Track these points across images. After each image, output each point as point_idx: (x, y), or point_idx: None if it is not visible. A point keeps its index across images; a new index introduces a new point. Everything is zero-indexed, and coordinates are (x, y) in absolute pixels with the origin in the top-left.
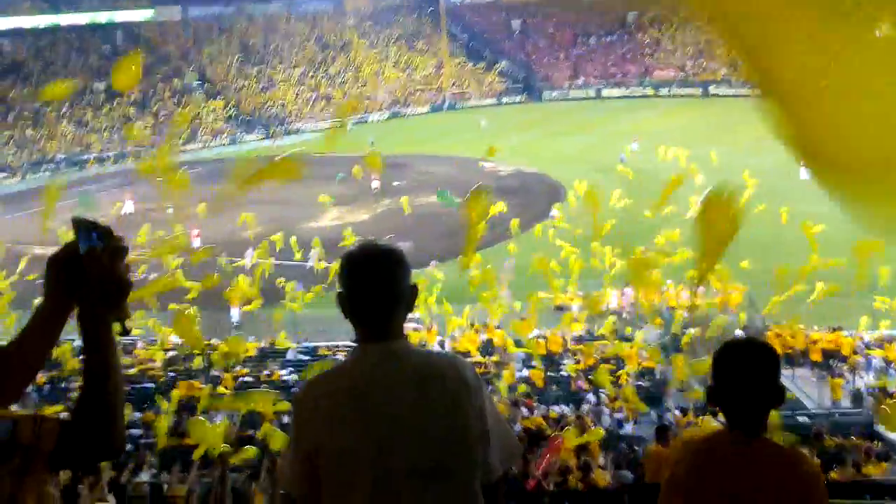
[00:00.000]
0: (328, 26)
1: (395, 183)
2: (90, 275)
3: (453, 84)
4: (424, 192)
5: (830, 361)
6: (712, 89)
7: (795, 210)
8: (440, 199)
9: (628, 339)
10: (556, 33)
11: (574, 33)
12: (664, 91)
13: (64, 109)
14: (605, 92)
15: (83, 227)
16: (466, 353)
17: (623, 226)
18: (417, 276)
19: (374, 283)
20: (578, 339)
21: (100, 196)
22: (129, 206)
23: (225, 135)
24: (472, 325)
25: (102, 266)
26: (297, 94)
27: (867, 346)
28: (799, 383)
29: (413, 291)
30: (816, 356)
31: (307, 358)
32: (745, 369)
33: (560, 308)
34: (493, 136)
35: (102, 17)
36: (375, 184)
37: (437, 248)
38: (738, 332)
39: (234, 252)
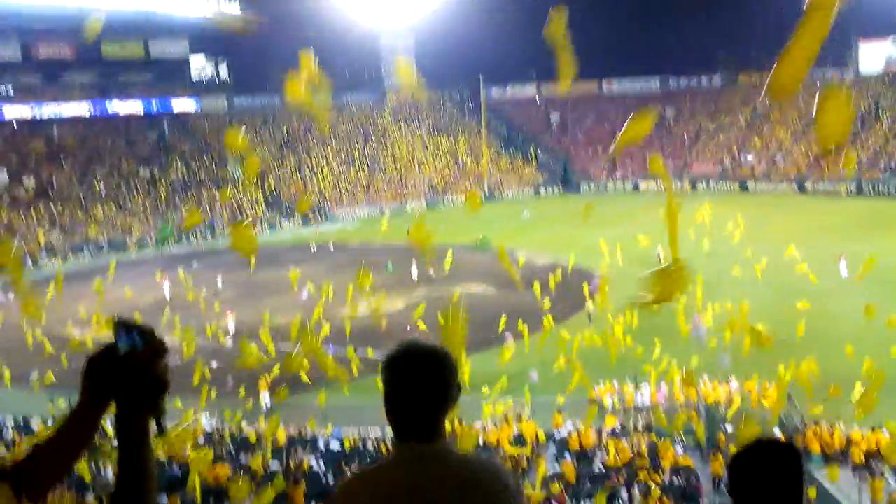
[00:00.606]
0: (370, 117)
1: (432, 272)
2: (129, 375)
3: (492, 175)
4: (462, 282)
5: (871, 462)
6: (750, 185)
7: (832, 307)
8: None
9: (663, 435)
10: (595, 127)
11: (612, 128)
12: (702, 185)
13: (107, 193)
14: (643, 185)
15: (124, 327)
16: (498, 446)
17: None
18: None
19: (416, 385)
20: (613, 433)
21: (139, 279)
22: (166, 290)
23: (265, 221)
24: (507, 417)
25: (142, 366)
26: (336, 183)
27: None
28: (840, 485)
29: (456, 392)
30: (857, 457)
31: (338, 448)
32: (762, 475)
33: (594, 401)
34: (532, 227)
35: (150, 105)
36: (415, 271)
37: (470, 338)
38: (776, 430)
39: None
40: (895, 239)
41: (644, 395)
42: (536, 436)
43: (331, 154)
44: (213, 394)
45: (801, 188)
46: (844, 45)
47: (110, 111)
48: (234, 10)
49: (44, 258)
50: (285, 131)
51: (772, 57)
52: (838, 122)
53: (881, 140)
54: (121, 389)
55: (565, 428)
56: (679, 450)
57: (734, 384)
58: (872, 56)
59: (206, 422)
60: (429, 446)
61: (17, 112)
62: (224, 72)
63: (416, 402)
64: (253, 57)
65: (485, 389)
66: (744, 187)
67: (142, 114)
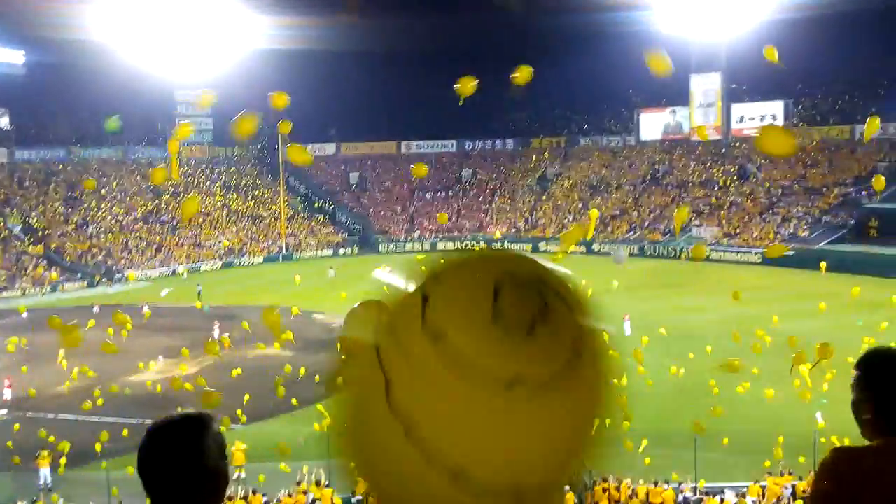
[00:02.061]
0: (161, 173)
1: (226, 334)
2: None
3: (290, 234)
4: (252, 344)
5: None
6: (542, 246)
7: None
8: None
9: None
10: (394, 187)
11: (411, 188)
12: (496, 246)
13: None
14: (440, 245)
15: None
16: None
17: None
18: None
19: (172, 458)
20: None
21: None
22: None
23: (46, 283)
24: (298, 482)
25: None
26: (125, 242)
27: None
28: None
29: (221, 474)
30: None
31: None
32: None
33: None
34: (327, 288)
35: None
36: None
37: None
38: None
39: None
40: (676, 297)
41: None
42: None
43: (120, 211)
44: None
45: (589, 250)
46: (627, 114)
47: None
48: (19, 59)
49: None
50: (69, 188)
51: (561, 123)
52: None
53: (661, 202)
54: None
55: None
56: None
57: None
58: (651, 124)
59: None
60: None
61: None
62: (5, 122)
63: (171, 479)
64: (37, 108)
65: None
66: (535, 248)
67: None
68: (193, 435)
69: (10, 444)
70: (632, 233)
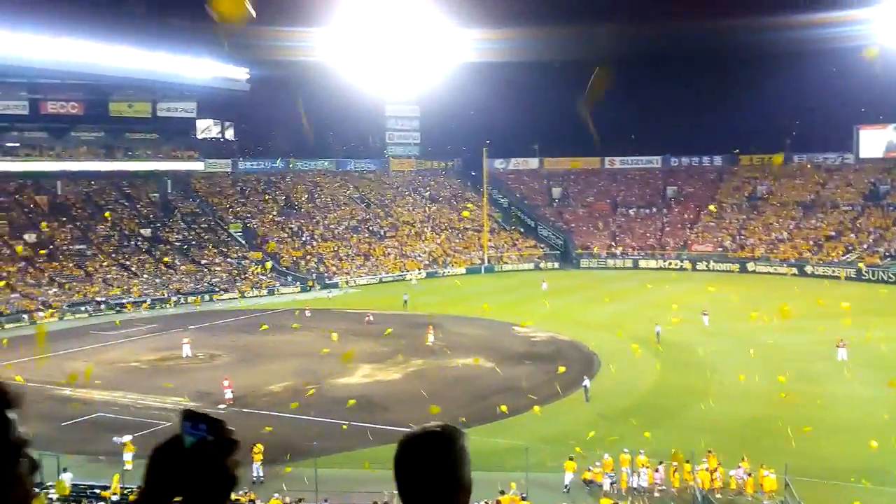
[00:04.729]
0: (372, 186)
1: (428, 343)
2: (196, 469)
3: (492, 247)
4: (456, 354)
5: None
6: (750, 266)
7: (829, 391)
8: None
9: None
10: (596, 202)
11: (613, 203)
12: (702, 265)
13: (107, 251)
14: (643, 263)
15: (192, 418)
16: None
17: (660, 399)
18: None
19: (427, 470)
20: None
21: (140, 339)
22: (186, 350)
23: (263, 286)
24: (502, 491)
25: (211, 461)
26: (336, 250)
27: None
28: None
29: (465, 486)
30: None
31: None
32: None
33: (589, 482)
34: (530, 301)
35: (154, 165)
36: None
37: (465, 411)
38: None
39: (259, 406)
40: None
41: (641, 478)
42: None
43: (332, 220)
44: None
45: (802, 271)
46: (845, 132)
47: (114, 169)
48: (243, 75)
49: (41, 315)
50: (286, 198)
51: (772, 139)
52: None
53: (881, 223)
54: (187, 485)
55: None
56: None
57: (741, 470)
58: (872, 142)
59: None
60: None
61: (21, 167)
62: (230, 135)
63: (427, 488)
64: (258, 122)
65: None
66: (743, 268)
67: (145, 172)
68: (443, 447)
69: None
70: (848, 255)
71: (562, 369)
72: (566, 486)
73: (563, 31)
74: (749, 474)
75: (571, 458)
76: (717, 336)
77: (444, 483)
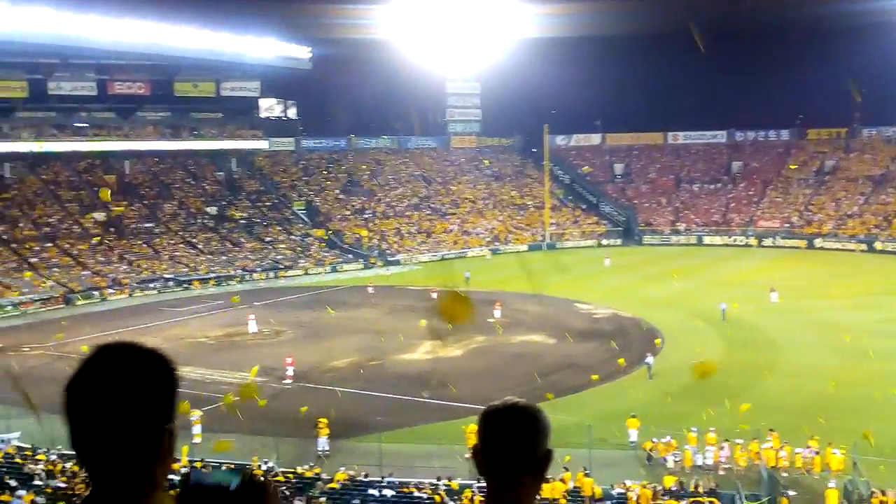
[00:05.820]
0: (433, 163)
1: (490, 320)
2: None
3: (553, 224)
4: (518, 331)
5: None
6: (818, 242)
7: None
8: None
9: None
10: (659, 178)
11: (677, 179)
12: (768, 241)
13: (174, 229)
14: (707, 239)
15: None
16: (553, 500)
17: (723, 377)
18: None
19: (510, 442)
20: (670, 494)
21: (207, 315)
22: (252, 326)
23: (326, 263)
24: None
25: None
26: (398, 228)
27: None
28: None
29: (547, 457)
30: None
31: (391, 493)
32: None
33: (650, 455)
34: (591, 278)
35: (219, 144)
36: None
37: (523, 389)
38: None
39: (323, 381)
40: None
41: (706, 456)
42: (593, 492)
43: (394, 197)
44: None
45: (871, 248)
46: None
47: (180, 148)
48: (305, 54)
49: (111, 292)
50: (348, 175)
51: (841, 113)
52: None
53: None
54: None
55: (622, 485)
56: None
57: (808, 450)
58: None
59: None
60: None
61: (90, 146)
62: (292, 113)
63: (506, 461)
64: (320, 101)
65: None
66: (811, 244)
67: (211, 151)
68: (526, 421)
69: (303, 409)
70: None
71: (613, 344)
72: (632, 443)
73: (625, 5)
74: (817, 452)
75: (634, 416)
76: (786, 313)
77: (531, 453)
